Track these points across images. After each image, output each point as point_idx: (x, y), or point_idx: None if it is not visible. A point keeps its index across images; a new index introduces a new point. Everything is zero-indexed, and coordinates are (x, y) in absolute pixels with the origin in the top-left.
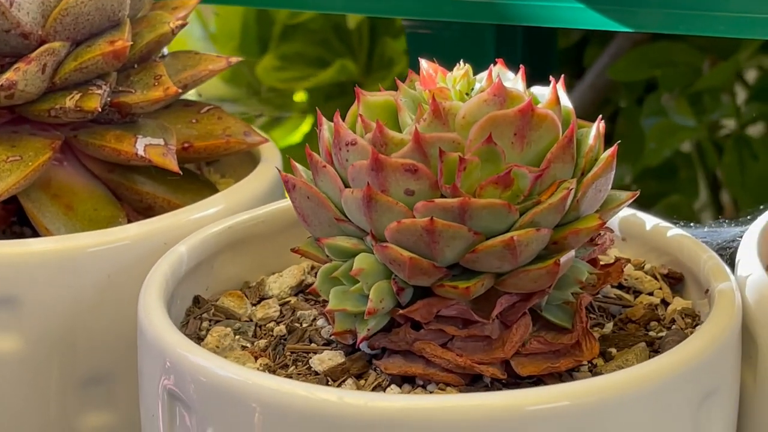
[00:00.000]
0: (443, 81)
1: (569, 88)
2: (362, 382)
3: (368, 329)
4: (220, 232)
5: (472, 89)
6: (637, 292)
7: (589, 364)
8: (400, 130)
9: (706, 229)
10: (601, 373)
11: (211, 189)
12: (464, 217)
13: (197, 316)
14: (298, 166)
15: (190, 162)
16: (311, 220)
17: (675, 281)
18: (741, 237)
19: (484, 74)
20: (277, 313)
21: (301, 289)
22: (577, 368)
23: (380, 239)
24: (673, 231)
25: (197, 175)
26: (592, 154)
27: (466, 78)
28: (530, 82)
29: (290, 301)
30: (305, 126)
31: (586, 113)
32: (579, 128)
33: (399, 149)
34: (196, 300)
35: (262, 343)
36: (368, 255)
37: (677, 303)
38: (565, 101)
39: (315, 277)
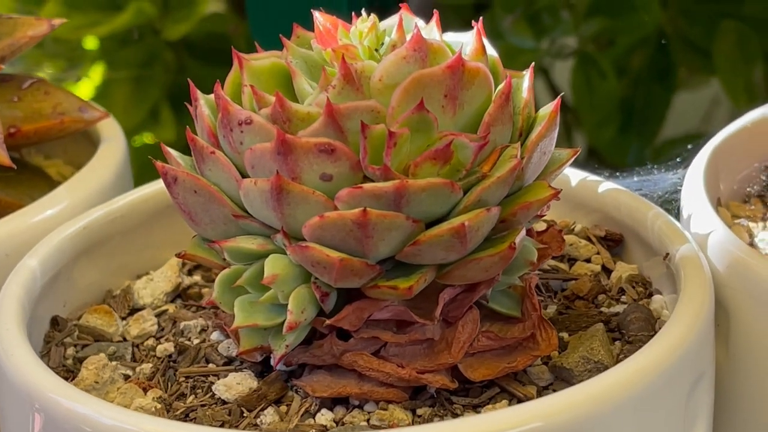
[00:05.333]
0: (346, 36)
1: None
2: (283, 408)
3: (287, 345)
4: (75, 234)
5: (382, 44)
6: (572, 260)
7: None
8: (296, 101)
9: (636, 179)
10: (559, 365)
11: (45, 179)
12: (400, 204)
13: (59, 342)
14: (173, 152)
15: (17, 149)
16: (200, 219)
17: (614, 243)
18: (681, 186)
19: (389, 23)
20: (155, 327)
21: (179, 294)
22: (531, 364)
23: (295, 237)
24: (605, 185)
25: (24, 162)
26: (528, 110)
27: (374, 31)
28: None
29: (167, 309)
30: (96, 76)
31: None
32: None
33: (307, 125)
34: (55, 322)
35: (147, 368)
36: (280, 257)
37: (621, 269)
38: (490, 50)
39: (192, 277)
